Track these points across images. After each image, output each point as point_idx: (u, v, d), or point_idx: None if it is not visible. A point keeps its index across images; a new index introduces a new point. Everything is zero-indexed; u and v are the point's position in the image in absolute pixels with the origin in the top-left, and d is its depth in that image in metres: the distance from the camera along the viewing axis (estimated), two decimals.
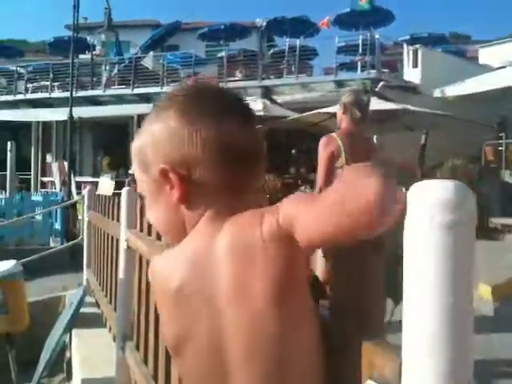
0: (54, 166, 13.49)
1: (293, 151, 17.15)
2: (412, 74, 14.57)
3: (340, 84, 14.13)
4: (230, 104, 0.85)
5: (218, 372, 0.78)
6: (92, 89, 17.43)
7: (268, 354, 0.74)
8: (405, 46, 15.09)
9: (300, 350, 0.74)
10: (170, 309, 0.86)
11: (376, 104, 11.17)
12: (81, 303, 3.77)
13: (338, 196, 0.62)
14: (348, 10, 15.94)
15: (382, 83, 13.19)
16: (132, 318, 2.53)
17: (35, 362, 4.03)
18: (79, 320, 3.90)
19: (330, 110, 11.10)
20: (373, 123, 11.87)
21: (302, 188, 9.91)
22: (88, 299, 4.27)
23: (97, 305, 4.09)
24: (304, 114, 11.28)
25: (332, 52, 15.47)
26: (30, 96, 18.17)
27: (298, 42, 15.24)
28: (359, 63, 14.88)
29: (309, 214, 0.66)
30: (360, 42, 14.73)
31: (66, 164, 12.59)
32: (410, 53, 14.75)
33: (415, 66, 14.69)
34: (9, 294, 4.26)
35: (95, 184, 14.22)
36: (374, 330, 0.73)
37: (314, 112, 11.07)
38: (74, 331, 3.75)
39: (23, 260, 5.50)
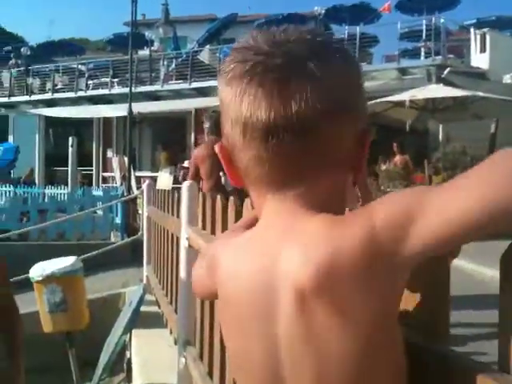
0: (115, 161, 13.65)
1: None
2: (480, 60, 13.80)
3: (403, 71, 13.55)
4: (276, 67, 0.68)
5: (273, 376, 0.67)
6: (150, 84, 17.56)
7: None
8: (472, 30, 14.30)
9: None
10: (221, 308, 0.77)
11: (442, 91, 10.63)
12: (140, 302, 3.62)
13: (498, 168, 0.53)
14: None
15: (448, 69, 12.53)
16: (195, 323, 2.32)
17: (95, 360, 3.93)
18: (140, 319, 3.75)
19: (393, 98, 10.64)
20: (438, 111, 11.41)
21: (369, 181, 9.53)
22: (148, 297, 4.13)
23: (157, 303, 3.93)
24: (367, 104, 10.83)
25: (394, 39, 14.92)
26: (90, 93, 18.53)
27: (357, 30, 14.72)
28: (423, 49, 14.24)
29: (438, 201, 0.55)
30: (424, 27, 14.07)
31: (125, 159, 12.70)
32: (478, 37, 13.96)
33: (483, 50, 13.89)
34: (69, 291, 4.18)
35: (154, 179, 14.33)
36: None
37: (376, 101, 10.61)
38: (134, 331, 3.60)
39: (84, 256, 5.45)
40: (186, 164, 11.71)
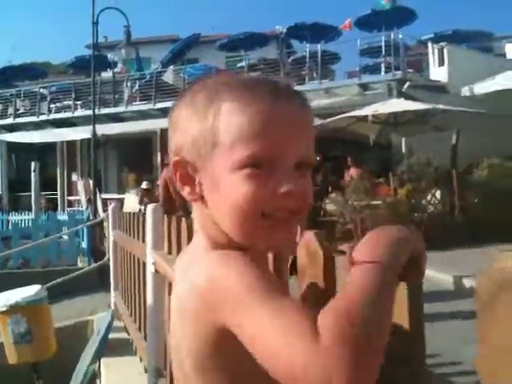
0: (80, 185, 13.45)
1: (317, 158, 16.82)
2: (438, 73, 14.17)
3: (365, 87, 13.81)
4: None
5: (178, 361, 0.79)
6: (114, 106, 17.44)
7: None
8: (429, 44, 14.69)
9: None
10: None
11: (403, 105, 10.85)
12: (109, 330, 3.54)
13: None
14: (369, 11, 15.63)
15: (408, 84, 12.84)
16: (165, 350, 2.27)
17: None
18: (108, 347, 3.67)
19: (356, 113, 10.82)
20: (400, 125, 11.64)
21: (333, 195, 9.59)
22: (117, 323, 4.04)
23: (126, 330, 3.85)
24: (330, 119, 10.98)
25: (355, 55, 15.23)
26: (53, 116, 18.28)
27: (319, 47, 14.97)
28: (383, 65, 14.55)
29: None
30: (383, 43, 14.40)
31: (91, 182, 12.52)
32: (435, 51, 14.35)
33: (441, 64, 14.28)
34: (34, 321, 4.07)
35: (121, 201, 14.14)
36: None
37: (340, 117, 10.78)
38: (103, 360, 3.51)
39: (50, 283, 5.32)
40: (144, 186, 11.61)
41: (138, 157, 18.30)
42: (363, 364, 0.53)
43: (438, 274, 6.32)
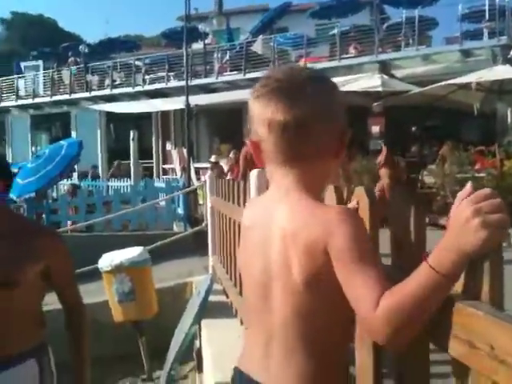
0: (174, 154, 13.81)
1: (413, 128, 16.17)
2: None
3: (466, 53, 12.99)
4: (283, 85, 1.04)
5: (263, 302, 1.06)
6: (205, 77, 17.65)
7: (295, 297, 0.99)
8: None
9: (319, 309, 1.00)
10: (242, 241, 1.18)
11: (508, 72, 10.07)
12: (208, 293, 3.60)
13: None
14: None
15: None
16: None
17: (165, 349, 3.94)
18: (208, 309, 3.73)
19: (459, 80, 10.20)
20: (506, 93, 10.84)
21: (432, 167, 9.14)
22: (215, 286, 4.10)
23: (225, 293, 3.90)
24: (429, 87, 10.44)
25: (453, 20, 14.36)
26: (147, 87, 18.83)
27: (416, 12, 14.22)
28: (486, 30, 13.58)
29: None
30: (487, 6, 13.40)
31: (184, 151, 12.82)
32: None
33: None
34: (137, 281, 4.23)
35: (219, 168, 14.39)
36: None
37: (440, 84, 10.20)
38: (202, 321, 3.58)
39: (149, 247, 5.51)
40: (212, 159, 11.86)
41: (229, 127, 18.51)
42: (388, 340, 0.86)
43: None
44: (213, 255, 4.68)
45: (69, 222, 8.97)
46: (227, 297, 3.80)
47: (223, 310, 3.64)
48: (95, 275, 4.74)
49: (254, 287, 1.09)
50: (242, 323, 3.11)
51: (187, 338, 3.46)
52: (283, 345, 1.02)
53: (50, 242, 1.85)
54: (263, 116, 1.03)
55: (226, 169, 12.04)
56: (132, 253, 4.40)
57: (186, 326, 3.45)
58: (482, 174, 8.23)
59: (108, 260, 4.41)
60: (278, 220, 1.03)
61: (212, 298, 3.88)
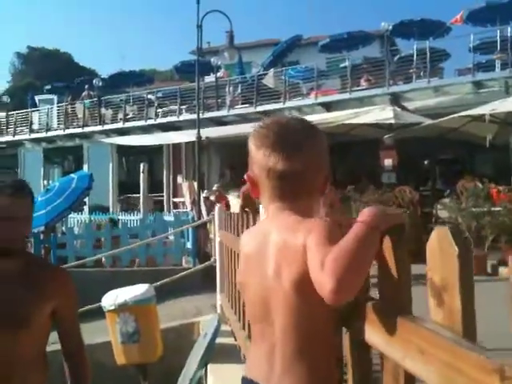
0: (184, 186, 13.74)
1: (425, 162, 16.00)
2: None
3: (478, 85, 12.90)
4: (283, 139, 1.23)
5: (264, 316, 1.21)
6: (217, 110, 17.72)
7: (292, 304, 1.14)
8: None
9: (313, 309, 1.13)
10: (241, 264, 1.35)
11: None
12: (216, 334, 3.40)
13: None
14: (483, 4, 14.59)
15: None
16: None
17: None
18: (215, 352, 3.53)
19: (472, 112, 10.07)
20: None
21: (446, 200, 8.97)
22: (223, 327, 3.91)
23: (233, 335, 3.71)
24: (442, 119, 10.31)
25: (464, 52, 14.38)
26: (160, 120, 18.94)
27: (427, 44, 14.22)
28: (498, 61, 13.52)
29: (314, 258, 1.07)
30: (498, 37, 13.37)
31: (195, 184, 12.74)
32: None
33: None
34: (142, 321, 4.03)
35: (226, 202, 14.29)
36: None
37: (453, 116, 10.08)
38: (209, 366, 3.38)
39: (156, 283, 5.33)
40: (204, 194, 11.88)
41: (239, 159, 18.44)
42: (335, 293, 0.96)
43: None
44: (221, 293, 4.50)
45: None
46: (235, 339, 3.61)
47: (231, 354, 3.44)
48: (99, 314, 4.56)
49: (255, 303, 1.26)
50: None
51: (195, 377, 3.26)
52: (284, 353, 1.16)
53: (61, 283, 1.83)
54: (264, 164, 1.21)
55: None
56: (138, 290, 4.22)
57: (191, 370, 3.25)
58: (498, 208, 8.03)
59: (112, 298, 4.23)
60: (271, 240, 1.20)
61: (220, 339, 3.69)
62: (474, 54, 13.87)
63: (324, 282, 0.97)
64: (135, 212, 15.01)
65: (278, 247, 1.17)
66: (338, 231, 1.10)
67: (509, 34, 12.94)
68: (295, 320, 1.14)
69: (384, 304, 1.05)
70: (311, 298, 1.06)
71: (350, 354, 1.21)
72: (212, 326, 3.53)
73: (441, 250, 0.85)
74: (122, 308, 4.10)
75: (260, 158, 1.21)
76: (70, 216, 11.84)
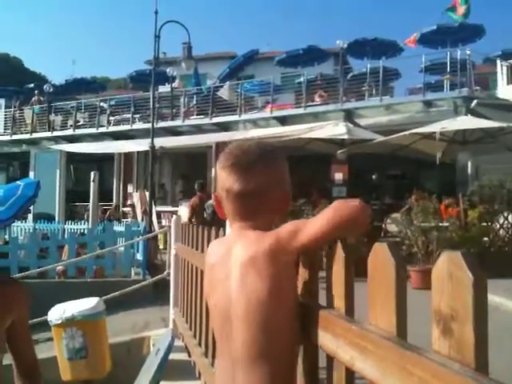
0: (135, 196, 13.46)
1: (373, 177, 16.35)
2: (507, 92, 13.51)
3: (428, 104, 13.28)
4: (239, 162, 1.28)
5: (226, 331, 1.25)
6: (172, 120, 17.54)
7: (256, 316, 1.18)
8: (498, 61, 14.05)
9: (280, 317, 1.18)
10: (207, 275, 1.40)
11: (474, 122, 10.28)
12: (169, 350, 3.27)
13: (333, 211, 1.16)
14: (434, 27, 15.11)
15: (475, 101, 12.25)
16: None
17: None
18: (167, 368, 3.40)
19: (422, 130, 10.33)
20: (468, 144, 11.05)
21: (395, 215, 9.14)
22: (176, 342, 3.77)
23: (187, 351, 3.58)
24: (394, 136, 10.54)
25: (415, 72, 14.75)
26: (112, 128, 18.56)
27: (381, 63, 14.58)
28: (447, 82, 13.98)
29: (310, 223, 1.17)
30: (448, 59, 13.85)
31: (147, 194, 12.50)
32: (504, 68, 13.70)
33: (510, 82, 13.62)
34: (90, 336, 3.85)
35: (174, 213, 14.07)
36: None
37: (405, 133, 10.32)
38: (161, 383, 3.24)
39: (106, 296, 5.13)
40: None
41: (193, 170, 18.29)
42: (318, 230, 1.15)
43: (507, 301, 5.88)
44: (174, 307, 4.36)
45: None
46: (189, 355, 3.48)
47: (185, 371, 3.31)
48: (44, 328, 4.34)
49: (218, 317, 1.30)
50: None
51: None
52: (245, 366, 1.19)
53: (17, 294, 1.74)
54: (224, 184, 1.29)
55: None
56: (86, 304, 4.03)
57: (148, 375, 3.10)
58: (445, 224, 8.21)
59: (59, 312, 4.03)
60: (235, 255, 1.25)
61: (172, 355, 3.55)
62: (424, 74, 14.29)
63: (302, 228, 1.16)
64: (82, 221, 14.59)
65: (242, 261, 1.22)
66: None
67: (458, 57, 13.39)
68: (256, 333, 1.18)
69: (331, 311, 1.16)
70: (275, 310, 1.16)
71: (302, 359, 1.27)
72: (165, 341, 3.40)
73: (450, 276, 0.79)
74: (69, 323, 3.91)
75: (221, 179, 1.30)
76: (12, 225, 11.35)
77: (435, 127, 9.87)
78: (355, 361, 0.98)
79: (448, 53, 14.17)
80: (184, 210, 13.15)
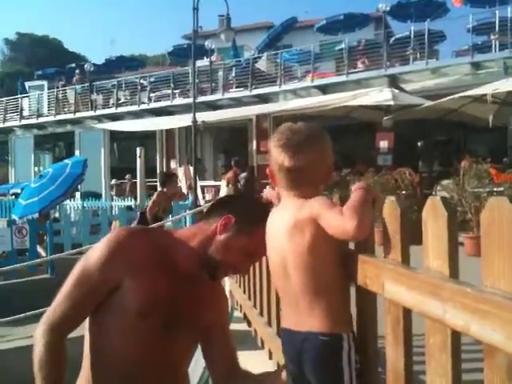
0: (180, 171, 13.53)
1: (419, 143, 15.92)
2: None
3: (477, 66, 12.76)
4: (289, 142, 1.52)
5: (284, 275, 1.51)
6: (211, 94, 17.47)
7: (303, 265, 1.46)
8: None
9: (325, 265, 1.45)
10: (267, 236, 1.60)
11: None
12: (229, 321, 3.24)
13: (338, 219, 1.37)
14: None
15: None
16: None
17: None
18: None
19: (473, 93, 9.93)
20: None
21: (446, 182, 8.86)
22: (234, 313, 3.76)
23: (246, 321, 3.57)
24: (442, 100, 10.17)
25: (461, 33, 14.19)
26: (152, 105, 18.66)
27: (426, 25, 14.03)
28: (495, 42, 13.37)
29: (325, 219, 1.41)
30: (497, 18, 13.21)
31: (191, 168, 12.54)
32: None
33: None
34: None
35: (218, 188, 14.11)
36: None
37: (452, 97, 9.94)
38: None
39: None
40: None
41: (234, 144, 18.26)
42: (355, 230, 1.29)
43: None
44: (229, 278, 4.35)
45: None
46: (249, 325, 3.47)
47: (246, 341, 3.30)
48: None
49: (276, 268, 1.55)
50: (270, 357, 2.78)
51: (203, 377, 3.11)
52: (305, 301, 1.45)
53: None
54: (276, 160, 1.52)
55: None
56: None
57: (201, 362, 3.09)
58: (500, 188, 7.90)
59: None
60: (284, 218, 1.51)
61: (231, 326, 3.54)
62: (472, 34, 13.70)
63: (347, 224, 1.31)
64: (129, 198, 14.82)
65: (289, 222, 1.49)
66: (328, 199, 1.48)
67: (508, 14, 12.75)
68: (309, 275, 1.45)
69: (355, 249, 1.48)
70: (318, 256, 1.44)
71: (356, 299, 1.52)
72: None
73: None
74: None
75: (274, 156, 1.54)
76: (63, 203, 11.60)
77: (486, 89, 9.46)
78: (471, 325, 0.91)
79: (497, 11, 13.52)
80: (224, 184, 13.18)
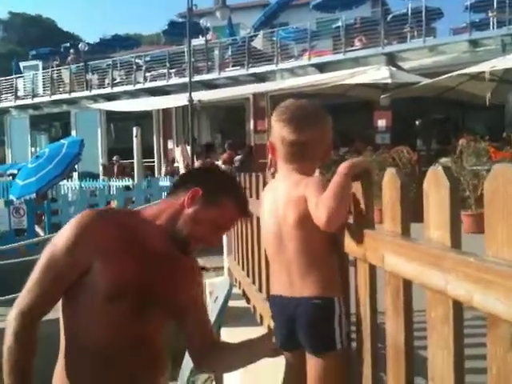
0: (177, 151, 13.48)
1: (417, 122, 15.86)
2: None
3: (475, 43, 12.66)
4: (292, 117, 1.63)
5: (278, 245, 1.64)
6: (207, 73, 17.33)
7: (297, 236, 1.58)
8: None
9: (318, 237, 1.55)
10: (263, 207, 1.74)
11: None
12: (228, 297, 3.27)
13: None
14: None
15: None
16: None
17: (180, 357, 3.63)
18: (227, 315, 3.42)
19: (470, 70, 9.86)
20: None
21: (444, 160, 8.86)
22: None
23: (245, 298, 3.59)
24: (440, 78, 10.10)
25: (458, 11, 14.05)
26: (148, 85, 18.50)
27: (423, 2, 13.89)
28: (493, 20, 13.25)
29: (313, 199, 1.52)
30: None
31: (188, 148, 12.51)
32: None
33: None
34: None
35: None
36: None
37: (450, 75, 9.87)
38: (222, 330, 3.27)
39: None
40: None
41: (231, 123, 18.18)
42: (328, 220, 1.43)
43: None
44: (228, 255, 4.37)
45: None
46: (247, 301, 3.49)
47: (245, 317, 3.34)
48: None
49: (271, 237, 1.65)
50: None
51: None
52: (299, 266, 1.57)
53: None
54: (278, 134, 1.61)
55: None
56: None
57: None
58: None
59: None
60: (280, 191, 1.61)
61: (230, 303, 3.57)
62: (469, 12, 13.58)
63: (320, 216, 1.44)
64: (126, 178, 14.78)
65: (285, 197, 1.59)
66: (326, 184, 1.51)
67: None
68: (302, 243, 1.56)
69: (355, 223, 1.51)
70: (311, 230, 1.52)
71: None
72: (223, 288, 3.41)
73: None
74: None
75: (277, 130, 1.61)
76: (60, 183, 11.58)
77: (484, 66, 9.39)
78: (473, 295, 0.91)
79: None
80: (221, 163, 13.16)
